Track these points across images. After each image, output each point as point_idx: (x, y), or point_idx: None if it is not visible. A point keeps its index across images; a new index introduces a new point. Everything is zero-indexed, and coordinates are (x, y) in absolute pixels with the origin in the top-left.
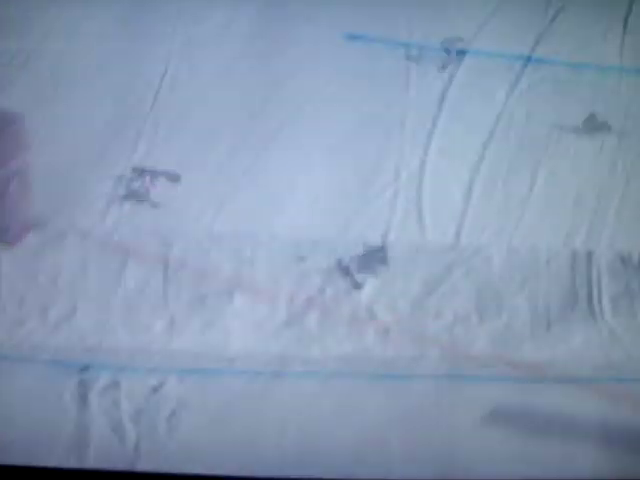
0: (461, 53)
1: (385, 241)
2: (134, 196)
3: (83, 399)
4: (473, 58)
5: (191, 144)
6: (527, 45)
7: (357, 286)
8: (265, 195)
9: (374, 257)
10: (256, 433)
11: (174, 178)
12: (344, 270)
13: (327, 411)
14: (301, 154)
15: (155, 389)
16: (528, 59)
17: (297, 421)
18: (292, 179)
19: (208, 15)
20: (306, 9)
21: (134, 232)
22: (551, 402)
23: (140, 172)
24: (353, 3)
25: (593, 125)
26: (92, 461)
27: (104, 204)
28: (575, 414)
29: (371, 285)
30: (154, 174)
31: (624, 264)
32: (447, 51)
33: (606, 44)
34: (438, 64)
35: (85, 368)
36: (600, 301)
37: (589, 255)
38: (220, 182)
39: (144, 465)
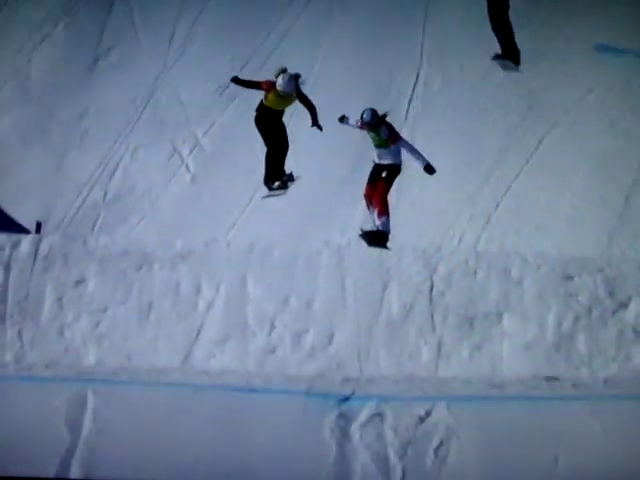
0: None
1: None
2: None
3: (344, 433)
4: None
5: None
6: None
7: (622, 305)
8: (526, 214)
9: (635, 275)
10: (529, 464)
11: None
12: (609, 288)
13: (597, 434)
14: (560, 172)
15: (422, 419)
16: None
17: (568, 447)
18: (554, 198)
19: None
20: (559, 22)
21: (396, 252)
22: None
23: None
24: (605, 14)
25: None
26: None
27: (361, 220)
28: None
29: (636, 303)
30: None
31: None
32: None
33: None
34: None
35: (345, 399)
36: None
37: None
38: (482, 199)
39: None
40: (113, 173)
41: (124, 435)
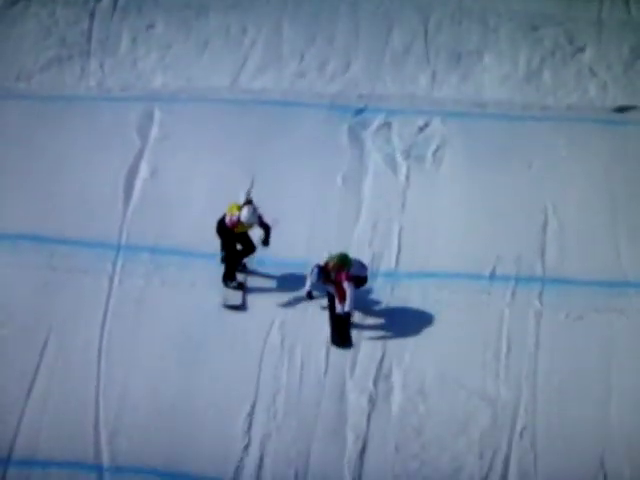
0: None
1: (599, 17)
2: None
3: (358, 138)
4: None
5: None
6: None
7: (580, 50)
8: None
9: (590, 29)
10: (506, 170)
11: None
12: (568, 37)
13: (561, 148)
14: None
15: (422, 128)
16: None
17: (540, 157)
18: None
19: None
20: None
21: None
22: None
23: None
24: None
25: None
26: (367, 193)
27: None
28: None
29: (591, 49)
30: None
31: None
32: None
33: None
34: None
35: (360, 111)
36: None
37: None
38: None
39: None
40: None
41: (182, 142)
